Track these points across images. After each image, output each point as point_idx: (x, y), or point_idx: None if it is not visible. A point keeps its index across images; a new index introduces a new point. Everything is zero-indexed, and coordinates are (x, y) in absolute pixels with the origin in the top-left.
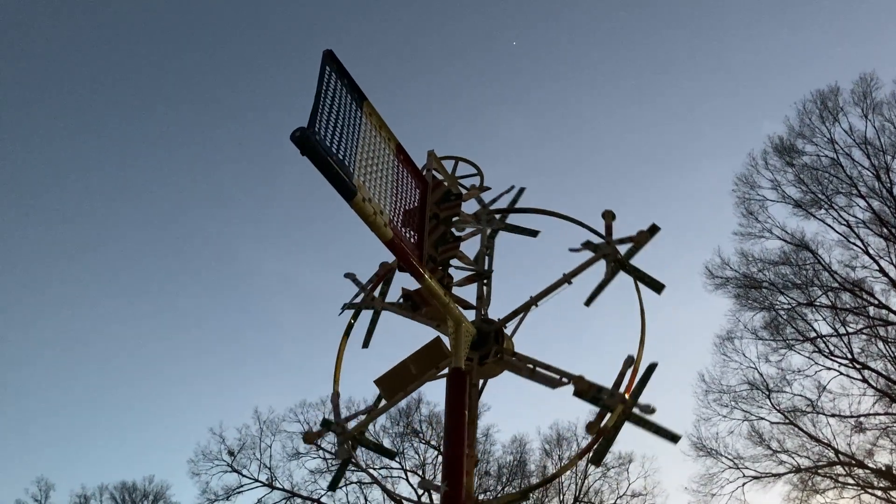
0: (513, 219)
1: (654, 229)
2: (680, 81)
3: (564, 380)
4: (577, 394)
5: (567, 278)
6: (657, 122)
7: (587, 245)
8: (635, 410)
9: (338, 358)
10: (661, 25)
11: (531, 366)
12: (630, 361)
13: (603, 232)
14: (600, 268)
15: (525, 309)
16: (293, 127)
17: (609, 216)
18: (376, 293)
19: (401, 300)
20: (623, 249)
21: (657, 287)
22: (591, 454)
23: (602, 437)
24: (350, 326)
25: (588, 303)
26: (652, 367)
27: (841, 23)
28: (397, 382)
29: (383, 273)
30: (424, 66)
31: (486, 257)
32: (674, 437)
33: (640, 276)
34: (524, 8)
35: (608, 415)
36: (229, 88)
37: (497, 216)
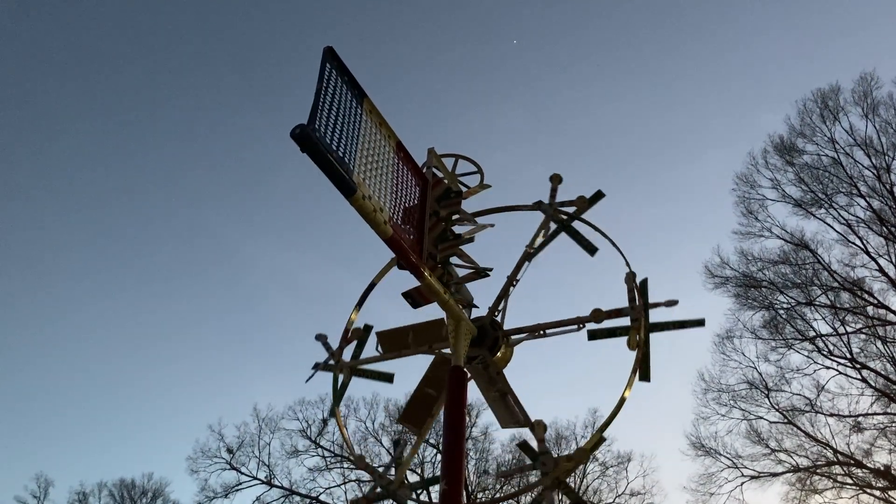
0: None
1: (597, 196)
2: (681, 78)
3: (580, 326)
4: (592, 335)
5: (529, 250)
6: (657, 119)
7: (535, 205)
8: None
9: (341, 432)
10: (660, 21)
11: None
12: (632, 277)
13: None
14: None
15: (505, 292)
16: (293, 123)
17: (556, 179)
18: (348, 356)
19: (378, 348)
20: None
21: (591, 250)
22: (637, 374)
23: (640, 353)
24: (335, 389)
25: (529, 259)
26: (645, 281)
27: (841, 20)
28: (421, 411)
29: (356, 336)
30: (425, 64)
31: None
32: (699, 322)
33: (578, 239)
34: (523, 3)
35: (637, 333)
36: (228, 85)
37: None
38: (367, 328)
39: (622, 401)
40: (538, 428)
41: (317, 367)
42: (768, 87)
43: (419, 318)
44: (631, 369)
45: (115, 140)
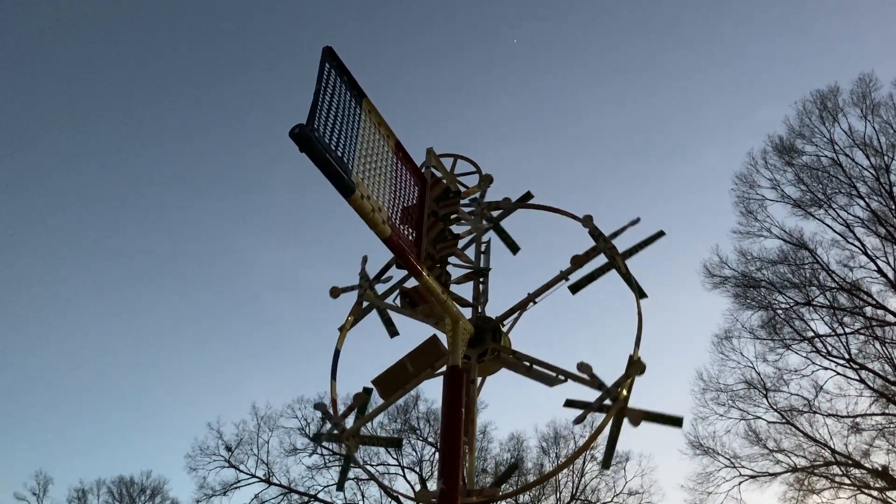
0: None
1: (525, 197)
2: (679, 76)
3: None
4: (574, 288)
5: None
6: (656, 118)
7: (470, 203)
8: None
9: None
10: (660, 22)
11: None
12: (590, 219)
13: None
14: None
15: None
16: (291, 122)
17: (487, 180)
18: (350, 422)
19: (380, 396)
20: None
21: (514, 249)
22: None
23: (631, 284)
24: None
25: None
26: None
27: (841, 21)
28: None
29: (358, 402)
30: (423, 63)
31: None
32: (660, 234)
33: (503, 238)
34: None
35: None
36: (227, 84)
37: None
38: (368, 391)
39: (640, 316)
40: (584, 369)
41: (318, 438)
42: (767, 86)
43: (411, 323)
44: (636, 304)
45: (112, 137)
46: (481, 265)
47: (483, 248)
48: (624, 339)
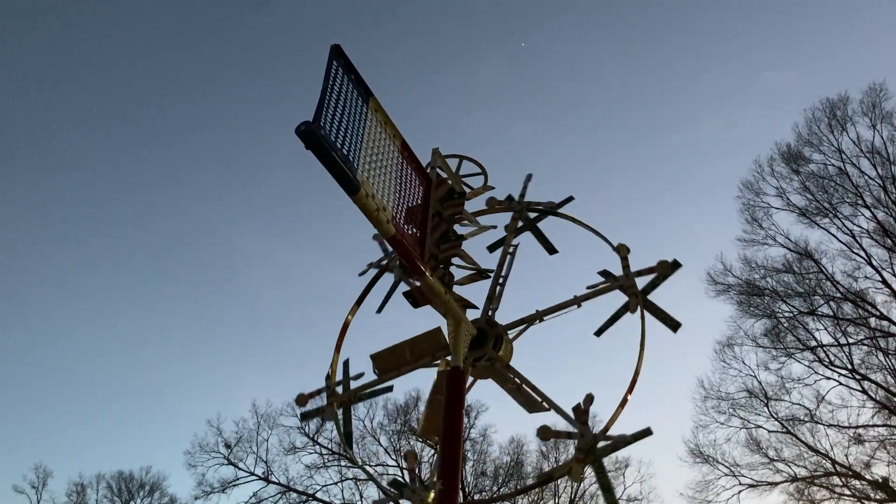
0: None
1: (566, 200)
2: (684, 79)
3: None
4: (598, 333)
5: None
6: (658, 124)
7: (506, 201)
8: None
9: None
10: (667, 28)
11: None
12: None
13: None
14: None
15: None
16: (291, 118)
17: (528, 178)
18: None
19: (375, 372)
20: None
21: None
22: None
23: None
24: (342, 428)
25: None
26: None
27: (851, 29)
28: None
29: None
30: (431, 64)
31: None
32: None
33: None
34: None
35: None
36: (227, 80)
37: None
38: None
39: (639, 363)
40: (580, 407)
41: (318, 415)
42: (778, 94)
43: (415, 317)
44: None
45: (110, 136)
46: (506, 267)
47: (511, 249)
48: (629, 355)
